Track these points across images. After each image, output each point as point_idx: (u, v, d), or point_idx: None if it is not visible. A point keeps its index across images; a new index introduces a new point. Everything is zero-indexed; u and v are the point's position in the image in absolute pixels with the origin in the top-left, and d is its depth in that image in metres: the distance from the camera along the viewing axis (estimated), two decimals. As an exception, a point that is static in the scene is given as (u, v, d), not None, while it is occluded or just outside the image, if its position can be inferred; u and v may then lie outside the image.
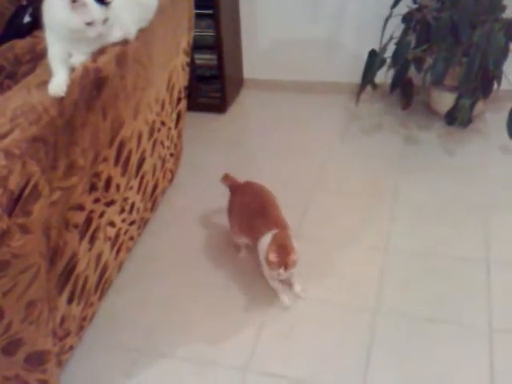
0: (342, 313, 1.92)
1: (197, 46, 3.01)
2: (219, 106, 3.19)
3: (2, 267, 1.28)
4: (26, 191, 1.25)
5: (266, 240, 1.83)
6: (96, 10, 1.38)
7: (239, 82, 3.41)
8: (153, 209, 2.27)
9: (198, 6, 2.87)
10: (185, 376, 1.75)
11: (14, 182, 1.21)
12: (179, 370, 1.76)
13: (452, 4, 2.55)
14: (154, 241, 2.28)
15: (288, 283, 1.98)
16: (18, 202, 1.24)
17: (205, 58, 3.10)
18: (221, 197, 2.29)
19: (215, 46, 3.04)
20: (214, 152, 2.87)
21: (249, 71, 3.43)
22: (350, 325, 1.87)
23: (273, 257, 1.77)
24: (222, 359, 1.79)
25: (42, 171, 1.27)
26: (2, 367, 1.45)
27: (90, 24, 1.39)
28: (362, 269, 2.09)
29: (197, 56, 3.08)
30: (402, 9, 2.81)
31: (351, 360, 1.75)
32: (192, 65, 3.01)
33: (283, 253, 1.77)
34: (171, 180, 2.49)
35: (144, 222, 2.20)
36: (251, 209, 1.98)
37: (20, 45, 2.17)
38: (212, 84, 3.16)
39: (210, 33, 3.02)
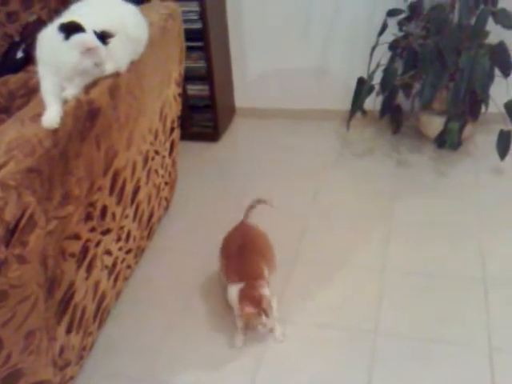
0: (341, 336, 1.92)
1: (189, 77, 3.09)
2: (212, 134, 3.24)
3: (0, 298, 1.29)
4: (22, 222, 1.28)
5: (233, 291, 1.86)
6: (103, 51, 1.45)
7: (231, 111, 3.47)
8: (149, 237, 2.29)
9: (189, 39, 2.95)
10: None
11: (10, 213, 1.24)
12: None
13: (437, 31, 2.61)
14: (150, 269, 2.30)
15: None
16: (14, 232, 1.27)
17: (197, 89, 3.16)
18: (215, 224, 2.33)
19: (207, 77, 3.10)
20: (207, 180, 2.91)
21: (240, 100, 3.49)
22: (350, 348, 1.88)
23: (249, 309, 1.77)
24: (223, 381, 1.79)
25: (38, 201, 1.30)
26: (2, 399, 1.46)
27: (97, 65, 1.46)
28: (360, 291, 2.10)
29: (189, 87, 3.14)
30: (389, 37, 2.88)
31: (353, 383, 1.75)
32: (184, 95, 3.07)
33: (256, 304, 1.78)
34: (166, 208, 2.52)
35: (141, 251, 2.22)
36: (230, 251, 2.01)
37: (13, 80, 2.21)
38: (204, 113, 3.22)
39: (202, 64, 3.09)
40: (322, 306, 2.05)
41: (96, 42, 1.41)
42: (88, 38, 1.40)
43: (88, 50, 1.40)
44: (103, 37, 1.45)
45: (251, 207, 2.17)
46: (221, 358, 1.87)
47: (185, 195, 2.75)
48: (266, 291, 1.84)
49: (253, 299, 1.79)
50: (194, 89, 3.17)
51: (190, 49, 3.03)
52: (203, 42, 3.02)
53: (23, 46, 2.67)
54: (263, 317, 1.78)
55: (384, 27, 2.79)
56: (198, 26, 2.99)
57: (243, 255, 1.96)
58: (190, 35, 2.96)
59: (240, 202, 2.67)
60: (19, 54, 2.62)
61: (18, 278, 1.31)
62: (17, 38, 2.86)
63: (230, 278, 1.93)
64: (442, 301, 2.03)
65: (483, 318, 1.93)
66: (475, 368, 1.76)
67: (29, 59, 2.54)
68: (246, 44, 3.32)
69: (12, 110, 2.06)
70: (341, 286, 2.13)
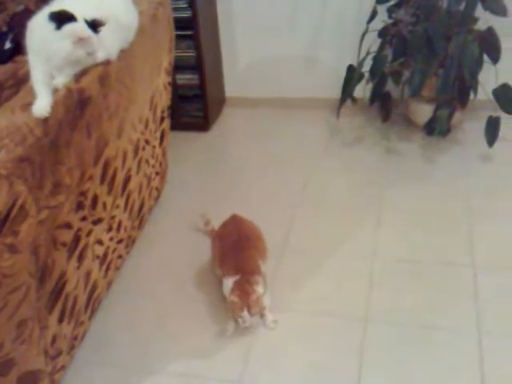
0: (332, 323, 1.94)
1: (178, 67, 3.06)
2: (202, 124, 3.23)
3: (-8, 287, 1.29)
4: (14, 211, 1.27)
5: (229, 283, 1.88)
6: (95, 41, 1.44)
7: (221, 101, 3.46)
8: (140, 227, 2.28)
9: (178, 28, 2.92)
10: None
11: (1, 203, 1.23)
12: (169, 385, 1.77)
13: (426, 17, 2.62)
14: (141, 259, 2.29)
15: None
16: (5, 222, 1.26)
17: (186, 78, 3.14)
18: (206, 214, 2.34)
19: (196, 66, 3.08)
20: (198, 169, 2.90)
21: (230, 89, 3.48)
22: (341, 335, 1.89)
23: (234, 298, 1.81)
24: (215, 373, 1.80)
25: (29, 190, 1.29)
26: (-5, 389, 1.46)
27: (90, 54, 1.46)
28: (350, 278, 2.12)
29: (178, 76, 3.12)
30: (378, 24, 2.88)
31: (344, 369, 1.77)
32: (174, 85, 3.05)
33: (244, 295, 1.81)
34: (157, 198, 2.52)
35: (132, 241, 2.22)
36: (225, 244, 2.04)
37: (2, 70, 2.19)
38: (194, 103, 3.20)
39: (191, 53, 3.07)
40: (312, 294, 2.06)
41: (88, 32, 1.40)
42: (80, 27, 1.39)
43: (80, 40, 1.39)
44: (94, 25, 1.44)
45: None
46: (212, 347, 1.88)
47: (175, 185, 2.74)
48: (259, 288, 1.86)
49: (243, 291, 1.82)
50: (184, 78, 3.15)
51: (179, 37, 3.00)
52: (193, 30, 3.00)
53: (11, 36, 2.64)
54: (245, 311, 1.80)
55: (373, 14, 2.79)
56: (187, 14, 2.96)
57: (239, 249, 1.99)
58: (179, 24, 2.91)
59: (230, 191, 2.69)
60: (7, 45, 2.59)
61: (9, 268, 1.30)
62: (4, 29, 2.82)
63: (226, 271, 1.95)
64: (432, 287, 2.04)
65: (472, 304, 1.95)
66: (464, 352, 1.79)
67: (17, 49, 2.51)
68: (235, 33, 3.31)
69: (0, 101, 2.04)
70: (331, 274, 2.14)
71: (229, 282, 1.88)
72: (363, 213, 2.47)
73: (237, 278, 1.88)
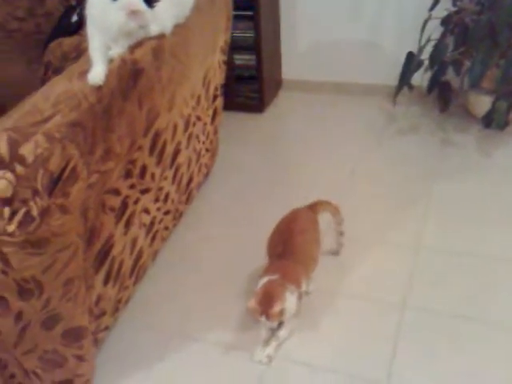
0: (370, 307, 1.95)
1: (236, 47, 3.11)
2: (257, 105, 3.26)
3: (42, 244, 1.36)
4: (66, 173, 1.34)
5: (261, 281, 1.76)
6: (148, 15, 1.50)
7: (278, 83, 3.47)
8: (187, 201, 2.35)
9: (238, 8, 2.96)
10: (213, 359, 1.81)
11: (54, 164, 1.30)
12: (208, 353, 1.83)
13: (490, 6, 2.54)
14: (188, 233, 2.36)
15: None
16: (57, 183, 1.33)
17: (244, 59, 3.18)
18: (254, 195, 2.35)
19: (254, 47, 3.11)
20: (250, 150, 2.94)
21: (288, 72, 3.49)
22: (377, 320, 1.90)
23: (252, 304, 1.70)
24: (252, 345, 1.83)
25: (81, 154, 1.36)
26: (42, 341, 1.54)
27: (142, 27, 1.51)
28: (392, 266, 2.11)
29: (236, 56, 3.16)
30: (442, 12, 2.82)
31: (377, 353, 1.78)
32: (231, 65, 3.10)
33: (266, 302, 1.68)
34: (207, 175, 2.57)
35: (179, 214, 2.28)
36: (275, 241, 1.92)
37: (67, 42, 2.28)
38: (250, 84, 3.24)
39: (250, 34, 3.09)
40: (353, 279, 2.07)
41: (141, 5, 1.46)
42: (134, 1, 1.45)
43: (133, 13, 1.45)
44: (149, 1, 1.49)
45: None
46: (249, 322, 1.91)
47: (226, 164, 2.79)
48: (288, 298, 1.72)
49: (267, 298, 1.69)
50: (241, 59, 3.19)
51: (239, 18, 3.04)
52: (253, 11, 3.02)
53: (78, 9, 2.74)
54: (263, 318, 1.70)
55: (436, 1, 2.74)
56: (248, -5, 2.99)
57: (284, 251, 1.86)
58: (239, 4, 2.96)
59: (279, 174, 2.72)
60: (74, 18, 2.69)
61: (59, 227, 1.38)
62: (73, 2, 2.94)
63: (267, 271, 1.83)
64: (475, 280, 2.01)
65: (515, 299, 1.92)
66: (501, 348, 1.76)
67: (83, 23, 2.61)
68: (296, 16, 3.31)
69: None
70: (373, 261, 2.14)
71: (261, 281, 1.77)
72: (412, 203, 2.44)
73: (272, 277, 1.75)
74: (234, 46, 3.11)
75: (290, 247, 1.86)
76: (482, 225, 2.27)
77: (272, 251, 1.91)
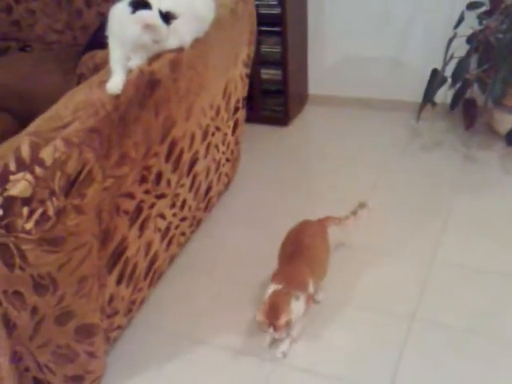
0: (378, 318, 1.97)
1: (264, 62, 3.19)
2: (282, 119, 3.32)
3: (58, 243, 1.44)
4: (82, 175, 1.42)
5: (268, 291, 1.79)
6: (163, 30, 1.58)
7: (303, 98, 3.53)
8: (206, 209, 2.41)
9: (266, 24, 3.06)
10: (221, 363, 1.86)
11: (71, 167, 1.39)
12: (216, 357, 1.88)
13: (513, 25, 2.56)
14: (206, 240, 2.43)
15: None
16: (73, 184, 1.41)
17: (271, 73, 3.25)
18: (274, 206, 2.39)
19: (281, 62, 3.17)
20: (272, 162, 3.00)
21: (314, 87, 3.55)
22: (384, 330, 1.92)
23: (260, 316, 1.73)
24: (258, 351, 1.88)
25: (97, 159, 1.44)
26: (55, 335, 1.61)
27: (156, 41, 1.59)
28: (406, 277, 2.13)
29: (263, 71, 3.24)
30: (468, 30, 2.84)
31: (382, 363, 1.80)
32: (258, 79, 3.18)
33: (273, 316, 1.71)
34: (227, 184, 2.64)
35: (197, 221, 2.35)
36: (285, 244, 1.98)
37: (100, 55, 2.38)
38: (276, 98, 3.30)
39: (277, 49, 3.16)
40: (364, 289, 2.09)
41: (156, 20, 1.53)
42: (149, 15, 1.53)
43: (147, 26, 1.52)
44: (167, 17, 1.57)
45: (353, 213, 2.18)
46: (258, 328, 1.95)
47: (248, 175, 2.85)
48: (294, 306, 1.75)
49: (273, 310, 1.72)
50: (268, 73, 3.26)
51: (267, 33, 3.13)
52: (280, 27, 3.09)
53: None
54: (271, 330, 1.73)
55: (460, 19, 2.76)
56: (276, 11, 3.06)
57: (291, 259, 1.91)
58: (267, 20, 3.06)
59: (301, 186, 2.77)
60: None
61: (75, 227, 1.45)
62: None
63: (273, 279, 1.86)
64: (486, 295, 2.02)
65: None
66: (506, 365, 1.76)
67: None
68: (324, 32, 3.37)
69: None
70: (386, 273, 2.17)
71: (269, 289, 1.80)
72: (430, 217, 2.46)
73: (277, 287, 1.78)
74: (262, 61, 3.19)
75: (299, 248, 1.92)
76: (499, 242, 2.27)
77: (282, 253, 1.97)
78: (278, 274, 1.89)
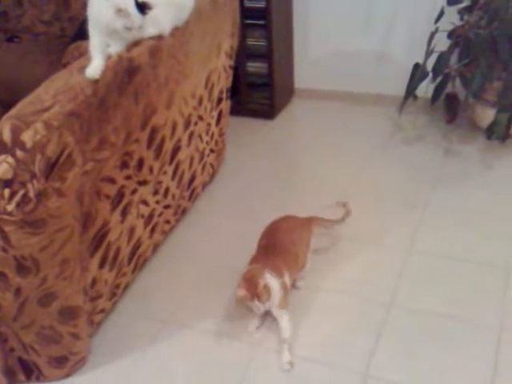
0: (356, 304, 2.02)
1: (250, 55, 3.23)
2: (268, 112, 3.37)
3: (40, 225, 1.48)
4: (62, 159, 1.46)
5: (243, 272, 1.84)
6: (136, 19, 1.61)
7: (289, 91, 3.57)
8: (191, 199, 2.45)
9: (252, 17, 3.10)
10: (203, 346, 1.91)
11: (51, 150, 1.43)
12: (199, 340, 1.93)
13: (490, 20, 2.61)
14: (191, 229, 2.47)
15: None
16: (54, 167, 1.45)
17: (256, 66, 3.29)
18: (258, 199, 2.43)
19: (266, 55, 3.22)
20: (258, 155, 3.04)
21: (300, 81, 3.59)
22: (362, 315, 1.97)
23: (240, 292, 1.77)
24: (240, 334, 1.93)
25: (76, 142, 1.48)
26: (39, 317, 1.65)
27: (128, 28, 1.62)
28: (383, 267, 2.18)
29: (249, 64, 3.28)
30: (450, 25, 2.89)
31: (359, 346, 1.85)
32: (244, 72, 3.22)
33: (250, 285, 1.76)
34: (212, 176, 2.68)
35: (182, 210, 2.39)
36: (261, 241, 2.02)
37: (85, 45, 2.42)
38: (262, 91, 3.34)
39: (263, 42, 3.20)
40: (344, 276, 2.14)
41: (128, 7, 1.56)
42: (123, 1, 1.56)
43: (120, 12, 1.56)
44: (142, 7, 1.61)
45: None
46: (239, 312, 1.99)
47: (234, 166, 2.90)
48: (268, 278, 1.81)
49: (249, 281, 1.78)
50: (254, 66, 3.30)
51: (252, 26, 3.17)
52: (266, 20, 3.12)
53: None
54: (256, 301, 1.77)
55: (440, 14, 2.81)
56: (261, 4, 3.09)
57: (266, 253, 1.95)
58: (253, 13, 3.10)
59: (285, 178, 2.81)
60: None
61: (56, 209, 1.49)
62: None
63: (249, 264, 1.92)
64: (462, 283, 2.07)
65: (500, 302, 1.97)
66: (481, 345, 1.81)
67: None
68: (309, 26, 3.41)
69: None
70: (365, 261, 2.21)
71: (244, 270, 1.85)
72: (409, 208, 2.51)
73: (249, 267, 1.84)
74: (248, 54, 3.24)
75: (274, 242, 1.97)
76: (475, 233, 2.32)
77: (259, 243, 2.02)
78: (253, 260, 1.94)
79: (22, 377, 1.76)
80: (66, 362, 1.78)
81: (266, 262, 1.88)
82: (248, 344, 1.90)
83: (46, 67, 2.91)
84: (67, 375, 1.81)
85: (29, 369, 1.75)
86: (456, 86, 2.96)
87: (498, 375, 1.71)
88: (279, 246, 1.96)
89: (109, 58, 1.59)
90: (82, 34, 2.86)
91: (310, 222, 2.12)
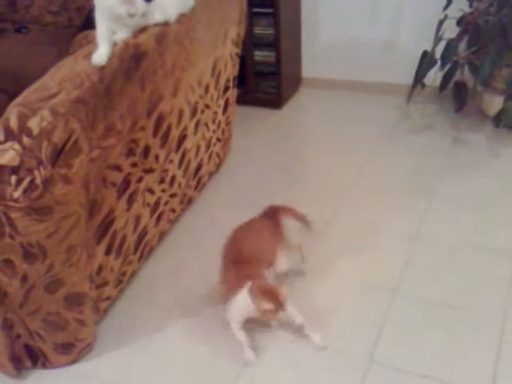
0: (360, 292, 2.02)
1: (257, 44, 3.21)
2: (275, 101, 3.35)
3: (46, 212, 1.49)
4: (68, 145, 1.46)
5: (239, 299, 1.75)
6: (140, 6, 1.61)
7: (297, 80, 3.56)
8: (197, 188, 2.45)
9: (259, 5, 3.08)
10: (208, 332, 1.91)
11: (57, 136, 1.43)
12: (205, 327, 1.93)
13: (500, 7, 2.58)
14: (196, 218, 2.47)
15: (302, 334, 1.85)
16: (60, 154, 1.45)
17: (264, 55, 3.27)
18: (264, 188, 2.45)
19: (274, 44, 3.20)
20: (265, 144, 3.03)
21: (307, 70, 3.58)
22: (366, 303, 1.97)
23: (267, 305, 1.68)
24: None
25: (83, 129, 1.48)
26: (45, 303, 1.66)
27: (131, 15, 1.62)
28: (388, 255, 2.18)
29: (256, 53, 3.26)
30: (459, 12, 2.86)
31: (363, 334, 1.85)
32: (251, 61, 3.21)
33: (273, 297, 1.68)
34: (219, 165, 2.67)
35: (188, 199, 2.39)
36: (228, 248, 1.94)
37: (93, 34, 2.43)
38: (270, 80, 3.33)
39: (270, 31, 3.19)
40: (350, 264, 2.14)
41: None
42: None
43: None
44: None
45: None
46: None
47: (240, 156, 2.89)
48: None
49: (268, 293, 1.69)
50: (261, 55, 3.28)
51: (260, 15, 3.15)
52: (273, 8, 3.11)
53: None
54: (280, 312, 1.70)
55: (449, 2, 2.78)
56: (269, -8, 3.08)
57: (240, 263, 1.87)
58: (260, 1, 3.09)
59: (291, 167, 2.81)
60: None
61: (62, 196, 1.50)
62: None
63: (228, 287, 1.84)
64: (467, 271, 2.06)
65: (504, 291, 1.96)
66: (485, 333, 1.81)
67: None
68: (317, 15, 3.39)
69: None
70: (371, 249, 2.21)
71: (239, 299, 1.75)
72: (415, 197, 2.50)
73: (247, 286, 1.72)
74: (255, 43, 3.22)
75: (241, 252, 1.89)
76: (482, 221, 2.31)
77: (225, 257, 1.94)
78: (227, 276, 1.87)
79: (28, 363, 1.78)
80: (71, 349, 1.79)
81: (251, 274, 1.80)
82: (254, 331, 1.90)
83: (54, 57, 2.89)
84: (73, 361, 1.82)
85: (35, 355, 1.77)
86: (464, 74, 2.93)
87: (500, 364, 1.71)
88: (250, 254, 1.88)
89: (115, 45, 1.58)
90: (89, 23, 2.86)
91: (274, 216, 2.00)
